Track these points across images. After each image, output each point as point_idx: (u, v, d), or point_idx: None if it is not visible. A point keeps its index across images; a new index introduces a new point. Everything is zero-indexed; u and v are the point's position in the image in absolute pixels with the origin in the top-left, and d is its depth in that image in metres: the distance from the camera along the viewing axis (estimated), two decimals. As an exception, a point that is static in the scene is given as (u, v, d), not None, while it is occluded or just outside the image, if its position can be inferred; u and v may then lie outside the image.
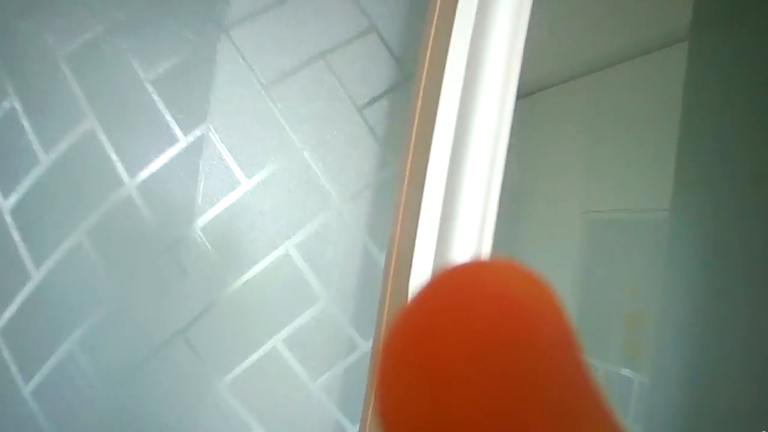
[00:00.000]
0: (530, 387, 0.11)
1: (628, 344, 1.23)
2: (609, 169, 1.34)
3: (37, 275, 0.63)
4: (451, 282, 0.13)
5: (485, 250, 0.68)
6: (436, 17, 0.77)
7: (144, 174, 0.66)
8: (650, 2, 1.14)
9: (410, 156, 0.76)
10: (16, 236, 0.64)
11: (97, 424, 0.65)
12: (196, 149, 0.67)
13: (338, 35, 0.73)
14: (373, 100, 0.75)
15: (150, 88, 0.66)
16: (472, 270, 0.13)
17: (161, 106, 0.66)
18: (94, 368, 0.64)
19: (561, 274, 1.44)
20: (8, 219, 0.63)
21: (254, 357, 0.69)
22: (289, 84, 0.71)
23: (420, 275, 0.69)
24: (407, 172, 0.75)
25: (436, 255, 0.71)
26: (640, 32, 1.20)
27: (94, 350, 0.64)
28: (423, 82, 0.76)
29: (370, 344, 0.74)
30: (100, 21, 0.65)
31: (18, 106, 0.62)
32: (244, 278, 0.69)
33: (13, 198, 0.63)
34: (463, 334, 0.12)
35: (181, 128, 0.67)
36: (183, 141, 0.67)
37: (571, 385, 0.12)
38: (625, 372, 1.20)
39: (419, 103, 0.75)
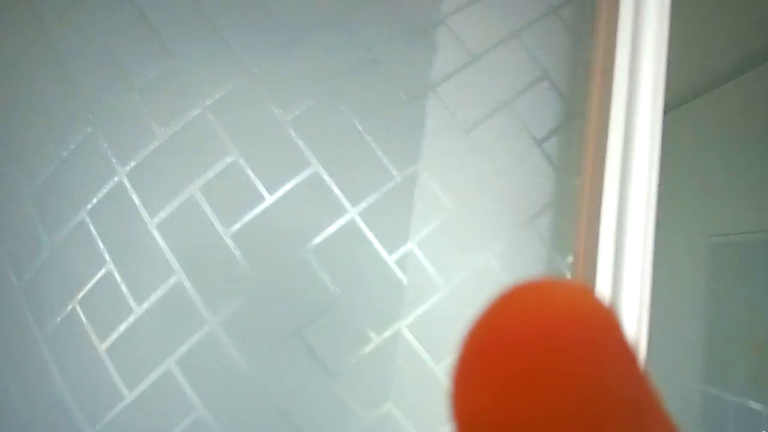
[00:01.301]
0: (603, 388, 0.12)
1: (756, 374, 1.16)
2: (734, 190, 1.37)
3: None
4: (525, 294, 0.14)
5: (647, 263, 0.76)
6: (600, 62, 0.89)
7: (364, 204, 0.79)
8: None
9: (588, 180, 0.86)
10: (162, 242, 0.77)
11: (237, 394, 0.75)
12: (410, 184, 0.80)
13: (518, 84, 0.86)
14: (548, 135, 0.87)
15: (368, 138, 0.80)
16: (546, 285, 0.14)
17: (378, 151, 0.80)
18: (237, 348, 0.75)
19: (685, 298, 1.43)
20: (155, 233, 0.77)
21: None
22: (485, 127, 0.83)
23: (604, 282, 0.78)
24: (586, 193, 0.85)
25: (614, 275, 0.80)
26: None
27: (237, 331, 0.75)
28: (594, 115, 0.87)
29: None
30: (319, 88, 0.80)
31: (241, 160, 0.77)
32: (452, 283, 0.79)
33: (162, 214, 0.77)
34: (540, 339, 0.12)
35: (395, 168, 0.80)
36: (398, 178, 0.80)
37: (637, 388, 0.12)
38: (754, 405, 1.15)
39: (591, 133, 0.87)
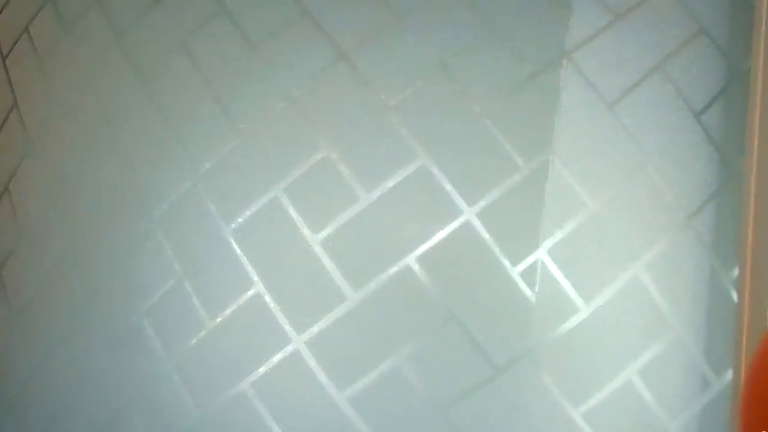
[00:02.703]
0: None
1: None
2: None
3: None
4: None
5: None
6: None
7: (483, 203, 0.63)
8: None
9: (755, 160, 0.67)
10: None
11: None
12: (540, 176, 0.63)
13: (672, 42, 0.68)
14: (708, 105, 0.68)
15: (487, 122, 0.64)
16: None
17: (499, 136, 0.64)
18: (424, 385, 0.61)
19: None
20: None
21: (608, 389, 0.62)
22: (632, 99, 0.65)
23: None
24: (753, 178, 0.66)
25: None
26: None
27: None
28: (761, 81, 0.68)
29: (725, 381, 0.65)
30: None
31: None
32: (594, 303, 0.63)
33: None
34: None
35: (523, 157, 0.63)
36: (525, 169, 0.63)
37: None
38: None
39: (758, 102, 0.67)
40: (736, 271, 0.67)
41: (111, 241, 0.70)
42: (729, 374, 0.65)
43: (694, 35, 0.69)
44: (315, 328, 0.63)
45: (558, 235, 0.63)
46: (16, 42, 0.81)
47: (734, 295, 0.66)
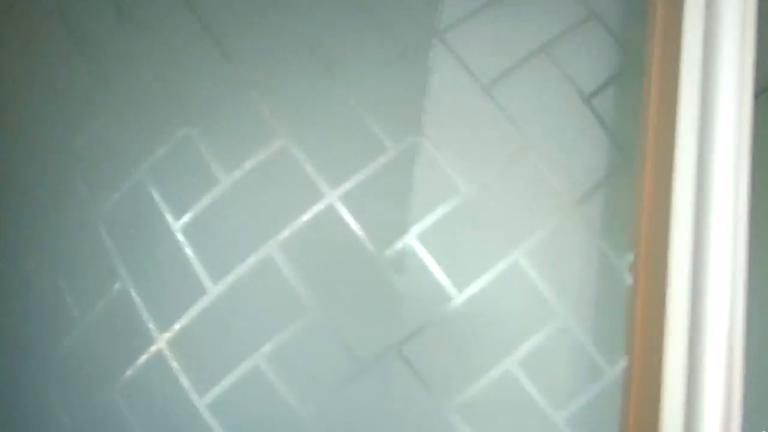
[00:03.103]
0: None
1: None
2: None
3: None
4: None
5: (740, 246, 0.54)
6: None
7: (347, 185, 0.60)
8: None
9: (649, 146, 0.64)
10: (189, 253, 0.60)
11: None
12: (409, 159, 0.60)
13: (558, 26, 0.66)
14: (599, 89, 0.65)
15: (352, 102, 0.61)
16: None
17: (366, 117, 0.61)
18: (285, 385, 0.57)
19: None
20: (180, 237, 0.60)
21: (486, 380, 0.58)
22: (512, 81, 0.63)
23: (678, 285, 0.56)
24: (648, 166, 0.63)
25: (693, 257, 0.57)
26: None
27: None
28: (655, 66, 0.65)
29: (618, 369, 0.60)
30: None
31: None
32: (468, 291, 0.59)
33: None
34: None
35: (390, 138, 0.60)
36: (393, 150, 0.60)
37: None
38: None
39: (653, 89, 0.64)
40: (629, 256, 0.63)
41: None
42: (622, 362, 0.60)
43: (584, 20, 0.67)
44: (177, 326, 0.60)
45: (429, 220, 0.60)
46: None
47: (627, 280, 0.62)
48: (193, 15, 0.63)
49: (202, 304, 0.59)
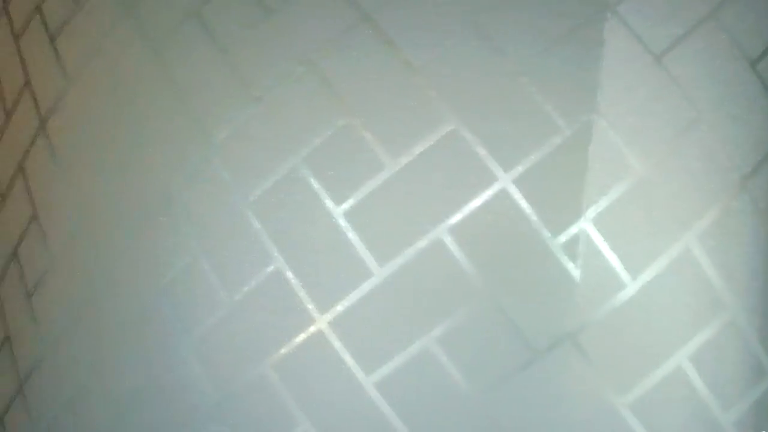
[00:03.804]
0: None
1: None
2: None
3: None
4: None
5: None
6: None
7: (521, 168, 0.58)
8: None
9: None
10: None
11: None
12: (583, 138, 0.57)
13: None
14: (765, 52, 0.61)
15: (523, 80, 0.58)
16: None
17: (537, 95, 0.58)
18: (456, 369, 0.56)
19: None
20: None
21: (656, 376, 0.56)
22: (682, 50, 0.59)
23: None
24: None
25: None
26: None
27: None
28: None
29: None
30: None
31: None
32: (642, 278, 0.57)
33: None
34: None
35: (564, 118, 0.57)
36: (567, 130, 0.57)
37: None
38: None
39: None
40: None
41: (125, 218, 0.66)
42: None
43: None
44: (339, 307, 0.59)
45: (603, 203, 0.58)
46: (29, 21, 0.78)
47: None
48: (347, 1, 0.59)
49: (367, 286, 0.58)
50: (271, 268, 0.60)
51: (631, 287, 0.57)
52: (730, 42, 0.61)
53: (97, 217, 0.67)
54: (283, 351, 0.61)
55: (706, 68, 0.60)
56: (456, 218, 0.57)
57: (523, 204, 0.57)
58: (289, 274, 0.60)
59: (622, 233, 0.57)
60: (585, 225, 0.57)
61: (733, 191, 0.59)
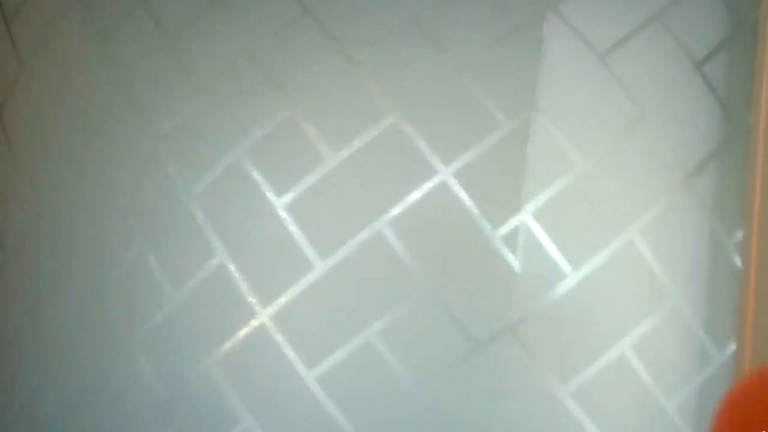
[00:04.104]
0: None
1: None
2: None
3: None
4: None
5: None
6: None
7: (459, 163, 0.58)
8: None
9: (763, 115, 0.61)
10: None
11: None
12: (523, 133, 0.58)
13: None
14: (710, 55, 0.62)
15: (465, 76, 0.58)
16: None
17: (478, 91, 0.58)
18: (398, 362, 0.56)
19: None
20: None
21: (599, 364, 0.57)
22: (626, 50, 0.60)
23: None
24: (762, 132, 0.60)
25: None
26: None
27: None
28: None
29: (726, 354, 0.59)
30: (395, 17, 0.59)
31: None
32: (583, 270, 0.57)
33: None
34: None
35: (504, 113, 0.58)
36: (507, 126, 0.58)
37: None
38: None
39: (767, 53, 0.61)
40: (739, 235, 0.61)
41: (73, 214, 0.65)
42: (731, 347, 0.59)
43: (695, -18, 0.64)
44: (282, 300, 0.59)
45: (543, 197, 0.58)
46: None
47: (737, 261, 0.60)
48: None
49: (309, 279, 0.58)
50: (214, 262, 0.60)
51: (573, 278, 0.57)
52: (675, 44, 0.61)
53: (49, 212, 0.66)
54: (227, 346, 0.60)
55: (651, 69, 0.61)
56: (396, 211, 0.57)
57: (464, 197, 0.57)
58: (232, 267, 0.59)
59: (562, 226, 0.58)
60: (525, 218, 0.57)
61: (677, 187, 0.59)
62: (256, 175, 0.60)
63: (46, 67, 0.70)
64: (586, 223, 0.58)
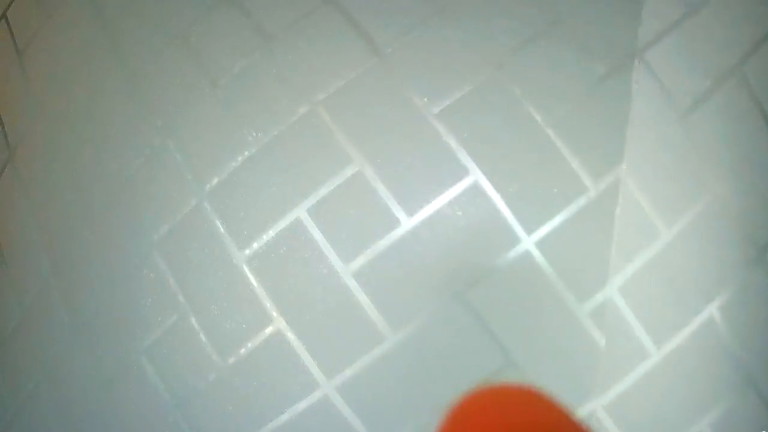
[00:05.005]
0: None
1: None
2: None
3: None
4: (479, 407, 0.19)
5: None
6: None
7: (544, 230, 0.54)
8: None
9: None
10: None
11: None
12: (609, 198, 0.54)
13: (747, 39, 0.59)
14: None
15: (549, 132, 0.55)
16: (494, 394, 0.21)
17: (564, 150, 0.54)
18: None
19: None
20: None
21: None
22: (705, 109, 0.57)
23: None
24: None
25: None
26: None
27: None
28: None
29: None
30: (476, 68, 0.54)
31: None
32: (665, 348, 0.55)
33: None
34: None
35: (588, 174, 0.54)
36: (593, 190, 0.54)
37: None
38: None
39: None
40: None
41: (103, 268, 0.59)
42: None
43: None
44: (348, 372, 0.54)
45: (629, 270, 0.54)
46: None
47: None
48: (354, 30, 0.54)
49: (378, 352, 0.53)
50: (270, 329, 0.55)
51: (656, 356, 0.54)
52: (751, 100, 0.59)
53: (73, 266, 0.60)
54: (284, 418, 0.55)
55: (724, 128, 0.58)
56: (480, 280, 0.53)
57: (547, 267, 0.53)
58: (291, 336, 0.54)
59: (647, 301, 0.55)
60: (611, 293, 0.54)
61: (751, 261, 0.57)
62: (318, 236, 0.55)
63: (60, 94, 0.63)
64: (670, 299, 0.55)
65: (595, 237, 0.54)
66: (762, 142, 0.60)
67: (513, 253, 0.53)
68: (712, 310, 0.56)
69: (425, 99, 0.56)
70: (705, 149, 0.58)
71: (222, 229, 0.55)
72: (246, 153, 0.56)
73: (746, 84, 0.59)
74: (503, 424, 0.18)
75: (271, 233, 0.55)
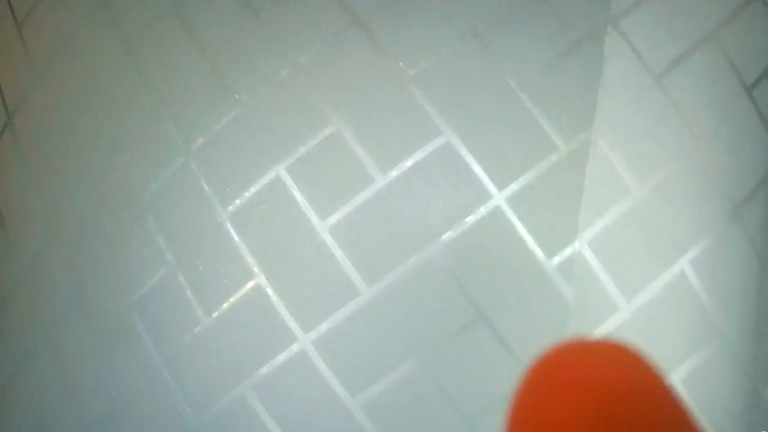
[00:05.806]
0: None
1: None
2: None
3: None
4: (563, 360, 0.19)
5: None
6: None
7: (515, 186, 0.56)
8: None
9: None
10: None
11: None
12: (580, 157, 0.56)
13: (725, 8, 0.60)
14: (759, 79, 0.61)
15: (522, 95, 0.56)
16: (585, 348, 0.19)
17: (535, 111, 0.56)
18: (446, 392, 0.54)
19: None
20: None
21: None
22: (681, 72, 0.58)
23: None
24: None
25: None
26: None
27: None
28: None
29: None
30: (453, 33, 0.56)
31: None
32: (635, 302, 0.56)
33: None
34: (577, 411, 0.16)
35: (559, 134, 0.56)
36: (563, 148, 0.56)
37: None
38: None
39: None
40: (788, 270, 0.60)
41: (97, 229, 0.62)
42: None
43: (748, 2, 0.62)
44: (324, 326, 0.56)
45: (598, 225, 0.56)
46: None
47: (787, 295, 0.59)
48: (339, 4, 0.57)
49: (354, 306, 0.55)
50: (251, 284, 0.57)
51: (626, 310, 0.55)
52: (728, 65, 0.60)
53: (70, 228, 0.63)
54: (263, 371, 0.58)
55: (702, 91, 0.59)
56: (448, 236, 0.55)
57: (517, 223, 0.55)
58: (270, 291, 0.57)
59: (617, 255, 0.56)
60: (580, 247, 0.55)
61: (727, 218, 0.58)
62: (298, 195, 0.57)
63: (64, 76, 0.66)
64: (641, 253, 0.56)
65: (566, 193, 0.56)
66: (739, 102, 0.61)
67: (484, 209, 0.55)
68: (684, 264, 0.57)
69: (401, 63, 0.58)
70: (681, 109, 0.59)
71: (207, 188, 0.58)
72: (231, 114, 0.59)
73: (723, 49, 0.60)
74: (589, 381, 0.18)
75: (253, 190, 0.57)
